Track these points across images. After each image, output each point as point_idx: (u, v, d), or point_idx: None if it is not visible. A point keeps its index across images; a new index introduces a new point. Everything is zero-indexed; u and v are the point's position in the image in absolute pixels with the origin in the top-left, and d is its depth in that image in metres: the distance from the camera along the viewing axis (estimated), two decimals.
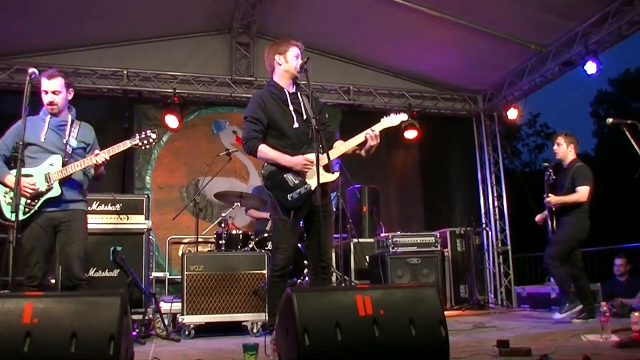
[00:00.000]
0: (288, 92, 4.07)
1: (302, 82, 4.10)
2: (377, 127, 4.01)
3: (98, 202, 5.72)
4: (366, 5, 7.72)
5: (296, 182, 3.90)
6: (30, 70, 3.79)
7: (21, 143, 3.65)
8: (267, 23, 8.51)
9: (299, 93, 4.11)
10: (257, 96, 4.11)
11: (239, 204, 6.57)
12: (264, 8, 7.94)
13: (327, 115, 4.33)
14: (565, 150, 5.99)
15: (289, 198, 3.86)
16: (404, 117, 4.19)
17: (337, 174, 3.87)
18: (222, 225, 6.25)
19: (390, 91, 9.55)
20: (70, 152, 4.16)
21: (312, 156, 3.84)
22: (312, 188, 3.86)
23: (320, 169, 3.85)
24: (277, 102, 4.05)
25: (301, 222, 4.15)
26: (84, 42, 8.19)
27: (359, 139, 3.97)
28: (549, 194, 5.84)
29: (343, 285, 6.72)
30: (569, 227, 5.82)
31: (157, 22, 8.14)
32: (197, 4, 7.91)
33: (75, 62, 8.15)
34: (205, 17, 8.37)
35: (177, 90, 8.36)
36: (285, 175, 3.91)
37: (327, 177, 3.88)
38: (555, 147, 6.05)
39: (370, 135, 3.92)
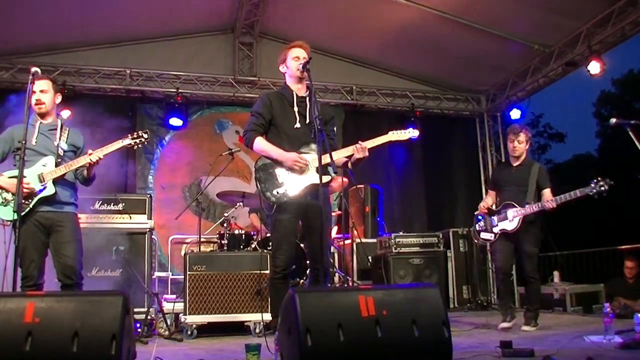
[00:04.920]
0: (297, 94, 4.08)
1: (307, 82, 4.08)
2: (382, 139, 4.01)
3: (101, 202, 5.73)
4: (369, 5, 7.71)
5: (285, 178, 3.90)
6: (33, 69, 3.81)
7: (24, 142, 3.67)
8: (270, 23, 8.51)
9: (307, 98, 4.09)
10: (264, 94, 4.19)
11: (241, 203, 6.57)
12: (267, 8, 7.94)
13: (334, 129, 4.30)
14: (524, 148, 5.56)
15: (274, 193, 3.86)
16: (414, 133, 4.18)
17: (329, 177, 3.78)
18: (225, 225, 6.26)
19: (393, 91, 9.54)
20: (62, 154, 4.21)
21: (306, 156, 3.88)
22: (301, 187, 3.87)
23: (313, 169, 3.88)
24: (283, 102, 4.07)
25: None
26: (87, 41, 8.20)
27: (347, 151, 3.95)
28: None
29: (345, 285, 6.70)
30: (537, 236, 5.39)
31: (160, 21, 8.15)
32: (200, 3, 7.92)
33: (78, 62, 8.17)
34: (208, 17, 8.37)
35: (180, 90, 8.37)
36: (276, 170, 3.91)
37: (318, 178, 3.80)
38: (517, 144, 5.52)
39: (357, 148, 3.90)
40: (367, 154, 3.92)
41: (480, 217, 5.63)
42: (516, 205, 5.29)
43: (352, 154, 3.94)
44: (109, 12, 7.52)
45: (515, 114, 9.24)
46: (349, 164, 4.02)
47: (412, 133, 4.16)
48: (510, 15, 7.46)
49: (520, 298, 7.90)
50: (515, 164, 5.57)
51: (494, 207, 5.57)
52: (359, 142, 3.93)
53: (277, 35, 8.79)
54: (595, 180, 4.99)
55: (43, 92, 4.20)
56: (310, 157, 3.91)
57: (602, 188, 4.95)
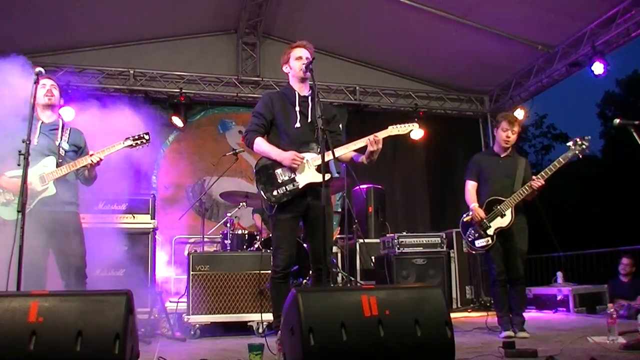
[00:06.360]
0: (299, 94, 4.07)
1: (310, 82, 4.06)
2: (382, 134, 3.91)
3: (104, 202, 5.73)
4: (372, 6, 7.72)
5: (285, 178, 3.89)
6: (37, 69, 3.81)
7: (28, 141, 3.66)
8: (273, 23, 8.53)
9: (310, 97, 4.09)
10: (266, 94, 4.20)
11: (244, 204, 6.57)
12: (270, 8, 7.95)
13: (340, 126, 4.27)
14: (515, 139, 5.07)
15: (274, 193, 3.86)
16: (413, 126, 4.08)
17: (328, 175, 3.62)
18: (228, 225, 6.26)
19: (396, 91, 9.55)
20: (63, 155, 4.22)
21: (305, 155, 3.88)
22: (300, 186, 3.87)
23: (313, 168, 3.87)
24: (285, 102, 4.07)
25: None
26: (91, 42, 8.24)
27: (359, 143, 3.89)
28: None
29: (348, 285, 6.70)
30: (527, 231, 5.00)
31: (163, 22, 8.17)
32: (203, 4, 7.93)
33: (82, 62, 8.20)
34: (211, 17, 8.39)
35: (183, 90, 8.39)
36: (275, 171, 3.90)
37: (317, 177, 3.83)
38: (510, 134, 5.00)
39: (371, 140, 3.81)
40: (380, 146, 3.82)
41: (469, 225, 5.01)
42: (503, 199, 4.84)
43: (365, 147, 3.85)
44: (113, 13, 7.55)
45: (519, 114, 9.23)
46: (364, 160, 3.93)
47: (413, 126, 4.07)
48: (513, 15, 7.46)
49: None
50: (502, 155, 5.08)
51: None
52: (375, 134, 3.84)
53: (280, 36, 8.80)
54: (572, 142, 4.91)
55: (53, 86, 4.29)
56: (310, 155, 3.91)
57: (584, 146, 4.83)
